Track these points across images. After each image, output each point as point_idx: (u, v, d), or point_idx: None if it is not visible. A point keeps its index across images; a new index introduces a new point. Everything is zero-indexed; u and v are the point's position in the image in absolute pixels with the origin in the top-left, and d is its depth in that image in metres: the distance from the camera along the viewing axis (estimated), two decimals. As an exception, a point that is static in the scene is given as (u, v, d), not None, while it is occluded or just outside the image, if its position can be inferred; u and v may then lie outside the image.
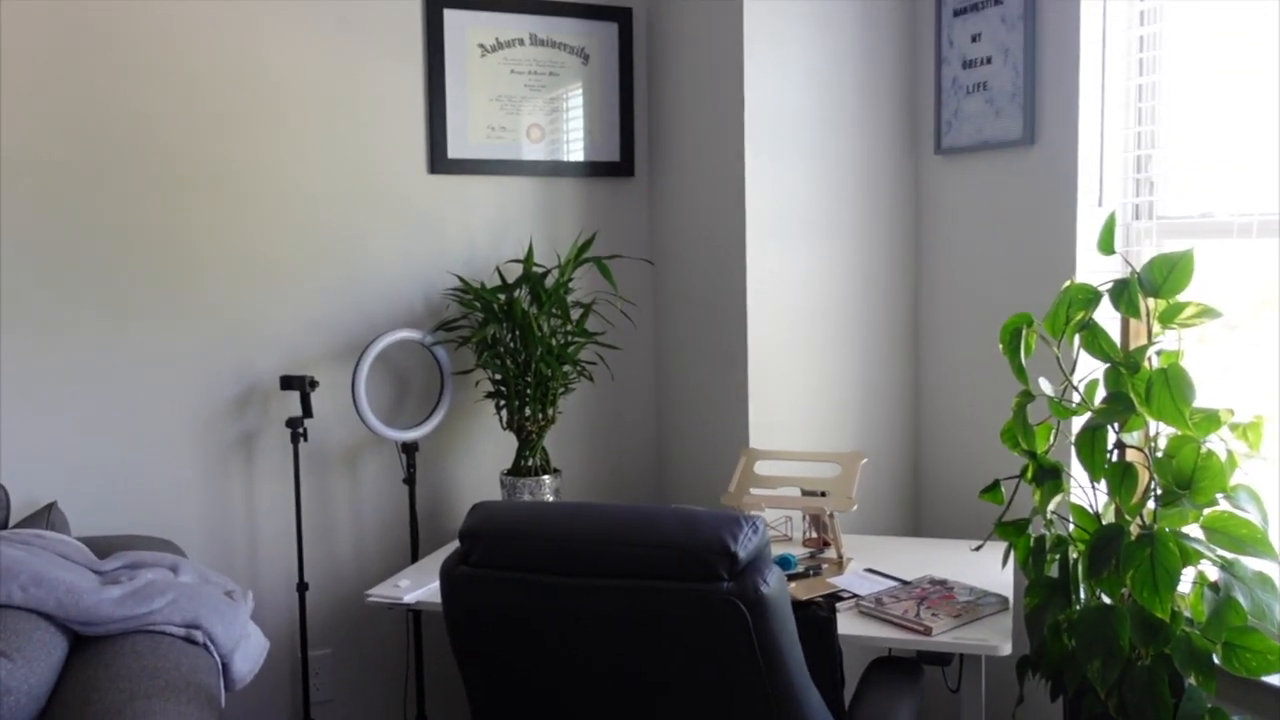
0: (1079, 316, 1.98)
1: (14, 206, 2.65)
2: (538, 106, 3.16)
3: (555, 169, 3.20)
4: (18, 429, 2.69)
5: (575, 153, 3.22)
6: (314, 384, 2.83)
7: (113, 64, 2.72)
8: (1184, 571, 1.82)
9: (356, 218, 2.99)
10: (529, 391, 2.89)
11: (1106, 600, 1.97)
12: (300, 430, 2.84)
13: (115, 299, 2.76)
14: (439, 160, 3.05)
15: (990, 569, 2.45)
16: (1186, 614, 1.90)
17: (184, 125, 2.80)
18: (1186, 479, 1.86)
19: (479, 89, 3.09)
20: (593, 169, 3.24)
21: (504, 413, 2.95)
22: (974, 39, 2.76)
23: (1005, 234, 2.74)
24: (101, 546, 2.47)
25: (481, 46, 3.08)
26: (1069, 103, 2.53)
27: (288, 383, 2.83)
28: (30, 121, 2.65)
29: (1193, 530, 1.91)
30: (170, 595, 2.12)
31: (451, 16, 3.03)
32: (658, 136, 3.27)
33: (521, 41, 3.13)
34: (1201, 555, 1.87)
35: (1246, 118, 2.25)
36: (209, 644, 2.10)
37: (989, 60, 2.72)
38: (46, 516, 2.52)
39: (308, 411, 2.84)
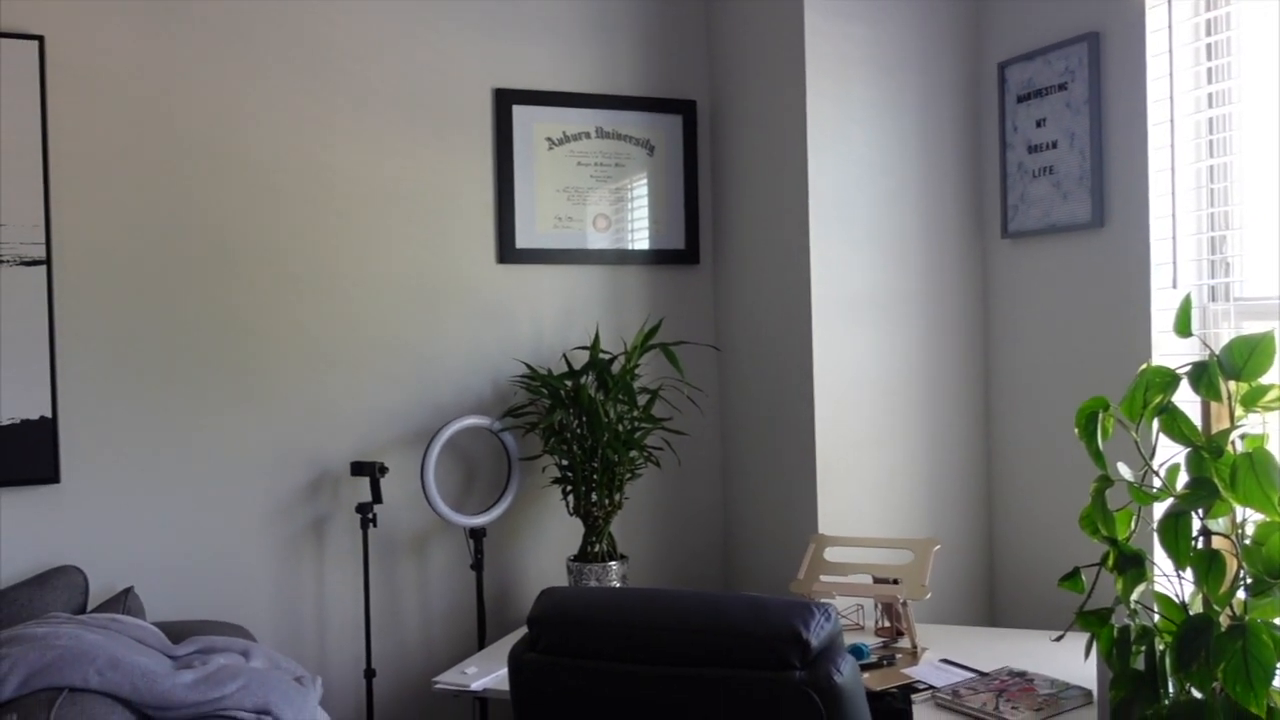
0: (1157, 400, 1.94)
1: (93, 299, 2.76)
2: (604, 197, 3.22)
3: (621, 257, 3.24)
4: (97, 516, 2.75)
5: (641, 241, 3.27)
6: (384, 470, 2.87)
7: (192, 165, 2.84)
8: None
9: (427, 307, 3.05)
10: (596, 477, 2.90)
11: (1197, 695, 1.89)
12: (370, 516, 2.87)
13: (190, 388, 2.84)
14: (507, 250, 3.11)
15: (1071, 660, 2.37)
16: (1284, 710, 1.82)
17: (257, 220, 2.90)
18: (1277, 567, 1.79)
19: (546, 181, 3.16)
20: (658, 257, 3.28)
21: (571, 498, 2.95)
22: (1039, 124, 2.77)
23: (1076, 317, 2.71)
24: (175, 631, 2.50)
25: (549, 140, 3.16)
26: (1138, 185, 2.52)
27: (358, 469, 2.87)
28: (111, 219, 2.77)
29: (1286, 621, 1.83)
30: (242, 680, 2.13)
31: (520, 112, 3.13)
32: (722, 224, 3.31)
33: (588, 134, 3.20)
34: (1297, 648, 1.78)
35: (1323, 197, 2.22)
36: (278, 730, 2.10)
37: (1054, 144, 2.73)
38: (123, 601, 2.57)
39: (377, 497, 2.87)
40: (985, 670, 2.35)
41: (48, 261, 2.68)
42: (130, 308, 2.78)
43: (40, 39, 2.67)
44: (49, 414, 2.68)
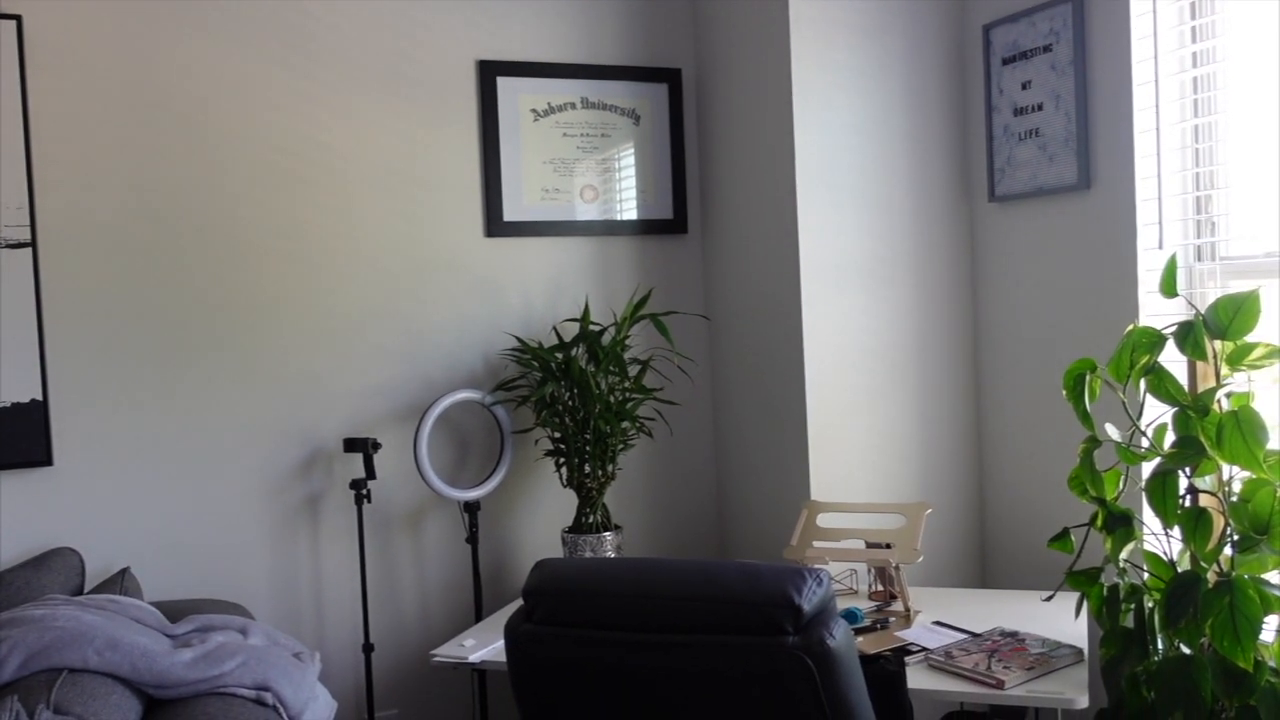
0: (1144, 360, 1.95)
1: (80, 280, 2.75)
2: (590, 168, 3.21)
3: (609, 228, 3.24)
4: (91, 497, 2.76)
5: (628, 211, 3.26)
6: (377, 446, 2.87)
7: (174, 142, 2.82)
8: (1266, 619, 1.77)
9: (416, 282, 3.05)
10: (588, 449, 2.90)
11: (1186, 650, 1.92)
12: (364, 492, 2.88)
13: (179, 368, 2.84)
14: (495, 223, 3.11)
15: (1062, 620, 2.40)
16: (1271, 664, 1.84)
17: (247, 196, 2.88)
18: (1263, 523, 1.81)
19: (532, 153, 3.15)
20: (646, 227, 3.28)
21: (564, 470, 2.97)
22: (1024, 86, 2.77)
23: (1064, 279, 2.72)
24: (173, 610, 2.51)
25: (534, 111, 3.15)
26: (1124, 146, 2.52)
27: (351, 445, 2.88)
28: (95, 199, 2.75)
29: (1273, 576, 1.85)
30: (240, 658, 2.14)
31: (504, 84, 3.11)
32: (710, 193, 3.31)
33: (573, 105, 3.19)
34: (1283, 602, 1.81)
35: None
36: (278, 705, 2.11)
37: (1040, 107, 2.72)
38: (120, 582, 2.57)
39: (371, 473, 2.87)
40: (977, 631, 2.37)
41: (33, 244, 2.67)
42: (118, 288, 2.77)
43: (18, 18, 2.64)
44: (40, 397, 2.68)
